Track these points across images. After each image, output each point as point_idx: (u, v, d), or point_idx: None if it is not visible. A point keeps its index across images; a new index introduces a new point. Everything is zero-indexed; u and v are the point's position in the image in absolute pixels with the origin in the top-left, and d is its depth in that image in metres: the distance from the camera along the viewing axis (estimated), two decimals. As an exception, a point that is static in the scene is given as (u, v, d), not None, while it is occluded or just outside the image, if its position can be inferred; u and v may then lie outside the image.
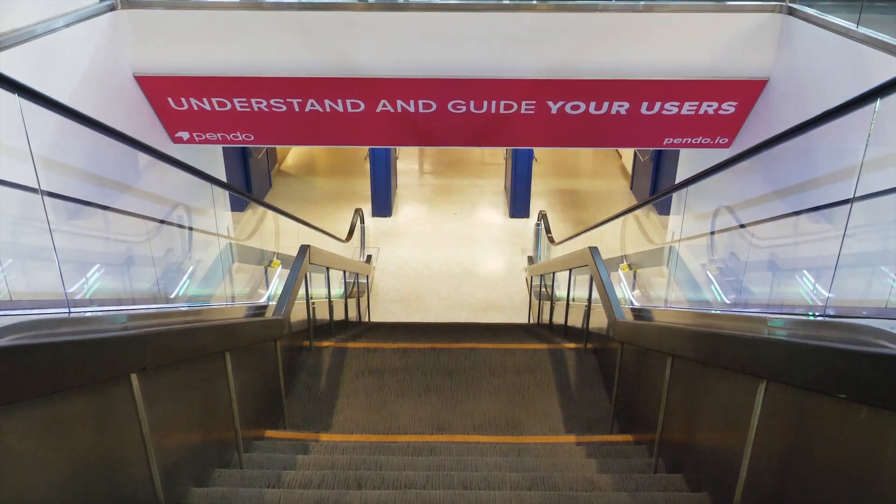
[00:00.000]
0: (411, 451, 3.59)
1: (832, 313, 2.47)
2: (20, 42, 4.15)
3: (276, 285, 6.62)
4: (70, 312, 2.38)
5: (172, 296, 5.40)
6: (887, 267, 3.33)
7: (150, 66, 5.76)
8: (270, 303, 5.47)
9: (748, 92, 5.91)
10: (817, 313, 2.57)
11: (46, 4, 4.65)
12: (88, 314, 2.49)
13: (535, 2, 5.77)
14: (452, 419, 4.54)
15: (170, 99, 5.97)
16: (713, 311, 4.65)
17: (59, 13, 4.70)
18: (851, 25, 4.60)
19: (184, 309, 4.61)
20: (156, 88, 5.91)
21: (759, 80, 5.82)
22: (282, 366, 4.26)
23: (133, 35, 5.61)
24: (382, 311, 9.29)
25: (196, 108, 6.04)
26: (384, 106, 6.06)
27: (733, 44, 5.72)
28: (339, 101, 6.01)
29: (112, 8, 5.39)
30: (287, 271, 5.02)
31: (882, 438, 1.53)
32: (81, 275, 3.88)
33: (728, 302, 5.57)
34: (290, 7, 5.66)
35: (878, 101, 2.37)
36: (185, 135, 6.38)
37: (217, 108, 6.05)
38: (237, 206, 9.67)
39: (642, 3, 5.69)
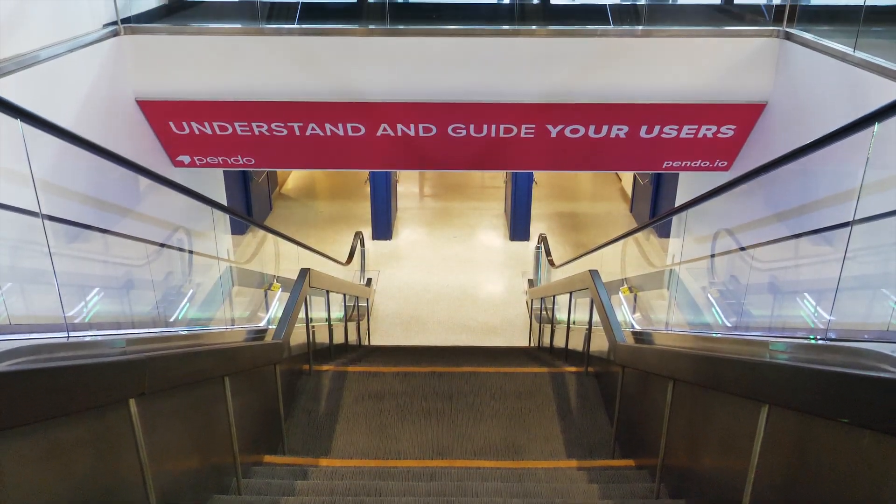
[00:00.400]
0: (411, 476, 3.56)
1: (833, 336, 2.46)
2: (25, 67, 4.18)
3: (276, 309, 6.60)
4: (69, 337, 2.37)
5: (172, 319, 5.39)
6: (888, 290, 3.32)
7: (152, 90, 5.80)
8: (270, 326, 5.45)
9: (747, 115, 5.94)
10: (819, 337, 2.56)
11: (52, 29, 4.69)
12: (87, 339, 2.48)
13: (534, 27, 5.82)
14: (453, 444, 4.51)
15: (171, 123, 6.01)
16: (714, 335, 4.63)
17: (64, 38, 4.74)
18: (848, 50, 4.64)
19: (183, 333, 4.60)
20: (157, 112, 5.95)
21: (758, 103, 5.85)
22: (281, 390, 4.24)
23: (135, 60, 5.65)
24: (382, 335, 9.27)
25: (197, 131, 6.07)
26: (384, 130, 6.09)
27: (731, 68, 5.76)
28: (340, 125, 6.04)
29: (115, 34, 5.44)
30: (287, 294, 5.02)
31: (885, 464, 1.51)
32: (81, 298, 3.87)
33: (729, 325, 5.56)
34: (290, 32, 5.71)
35: (877, 125, 2.39)
36: (186, 158, 6.41)
37: (218, 132, 6.08)
38: (237, 229, 9.68)
39: (640, 28, 5.74)
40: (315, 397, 5.08)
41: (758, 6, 6.42)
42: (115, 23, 5.45)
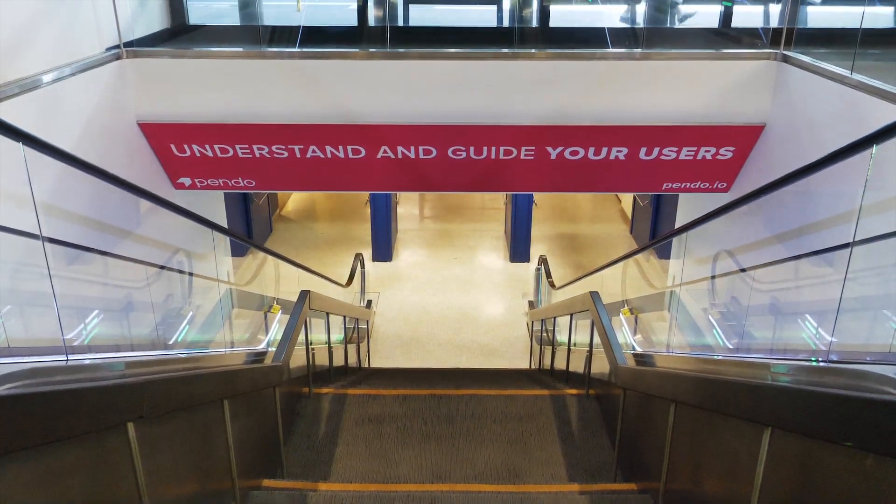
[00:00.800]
0: (411, 500, 3.53)
1: (835, 359, 2.45)
2: (28, 90, 4.21)
3: (276, 331, 6.59)
4: (67, 360, 2.36)
5: (171, 342, 5.37)
6: (890, 311, 3.31)
7: (154, 113, 5.84)
8: (270, 349, 5.44)
9: (745, 137, 5.97)
10: (820, 359, 2.54)
11: (55, 52, 4.72)
12: (86, 362, 2.47)
13: (533, 50, 5.87)
14: (453, 467, 4.47)
15: (172, 145, 6.03)
16: (716, 357, 4.62)
17: (67, 61, 4.78)
18: (845, 72, 4.67)
19: (182, 356, 4.58)
20: (158, 135, 5.97)
21: (756, 125, 5.88)
22: (280, 413, 4.22)
23: (137, 83, 5.69)
24: (383, 357, 9.23)
25: (198, 154, 6.09)
26: (385, 152, 6.11)
27: (730, 91, 5.80)
28: (341, 147, 6.07)
29: (117, 57, 5.48)
30: (287, 317, 5.00)
31: (888, 487, 1.50)
32: (80, 320, 3.86)
33: (731, 347, 5.54)
34: (291, 56, 5.75)
35: (875, 147, 2.39)
36: (186, 181, 6.43)
37: (219, 155, 6.11)
38: (238, 251, 9.69)
39: (639, 51, 5.79)
40: (314, 420, 5.05)
41: (755, 29, 6.48)
42: (117, 46, 5.49)
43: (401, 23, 7.12)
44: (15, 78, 4.16)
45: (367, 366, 8.72)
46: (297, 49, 5.81)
